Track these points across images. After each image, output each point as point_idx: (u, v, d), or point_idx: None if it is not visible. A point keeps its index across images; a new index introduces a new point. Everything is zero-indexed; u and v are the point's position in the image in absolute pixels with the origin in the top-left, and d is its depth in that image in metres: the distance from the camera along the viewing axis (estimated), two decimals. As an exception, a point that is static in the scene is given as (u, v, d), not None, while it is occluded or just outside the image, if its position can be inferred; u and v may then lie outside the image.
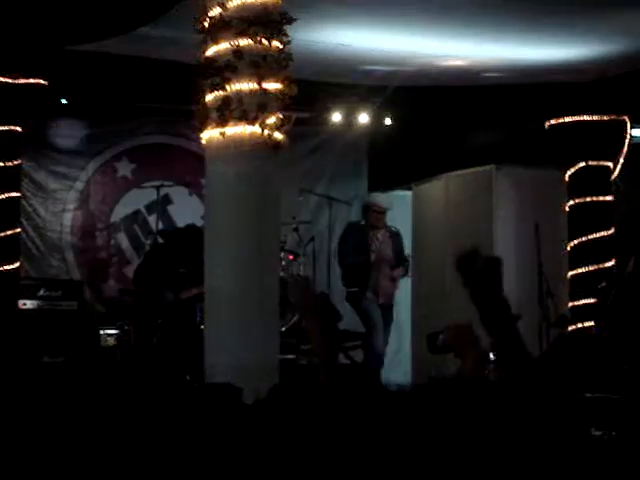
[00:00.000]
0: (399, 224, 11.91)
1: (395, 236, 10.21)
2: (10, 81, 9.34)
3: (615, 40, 8.76)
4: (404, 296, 11.50)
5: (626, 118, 10.26)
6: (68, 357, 9.02)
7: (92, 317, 9.11)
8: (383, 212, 10.05)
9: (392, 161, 11.82)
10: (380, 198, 10.42)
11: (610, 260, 9.91)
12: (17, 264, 9.61)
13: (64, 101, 10.68)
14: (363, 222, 10.13)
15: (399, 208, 12.17)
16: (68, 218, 11.22)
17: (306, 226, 11.13)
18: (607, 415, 5.97)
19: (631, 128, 10.32)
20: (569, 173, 10.42)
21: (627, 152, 10.30)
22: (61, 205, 11.23)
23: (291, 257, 10.46)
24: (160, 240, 10.03)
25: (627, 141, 10.28)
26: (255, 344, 6.55)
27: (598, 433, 5.12)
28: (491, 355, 3.67)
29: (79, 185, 11.26)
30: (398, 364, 11.40)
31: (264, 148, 6.60)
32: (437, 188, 11.66)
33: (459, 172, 11.33)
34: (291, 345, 8.73)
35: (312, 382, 4.03)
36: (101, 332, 9.41)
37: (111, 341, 8.97)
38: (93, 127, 11.21)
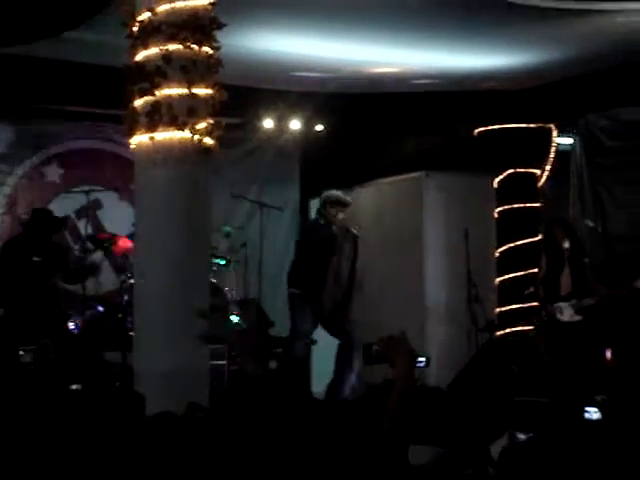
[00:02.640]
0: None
1: (357, 240, 9.29)
2: None
3: (542, 49, 8.91)
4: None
5: (552, 126, 10.45)
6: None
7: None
8: (346, 206, 9.16)
9: (324, 168, 11.85)
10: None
11: (537, 266, 10.05)
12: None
13: (-10, 105, 10.52)
14: (321, 220, 9.16)
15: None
16: (-6, 223, 11.05)
17: (238, 232, 11.10)
18: (535, 418, 6.07)
19: (557, 136, 10.51)
20: (497, 180, 10.56)
21: (553, 159, 10.48)
22: (-12, 210, 11.05)
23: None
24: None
25: (553, 149, 10.46)
26: (185, 350, 6.52)
27: (523, 437, 5.20)
28: (421, 361, 3.74)
29: (6, 190, 11.07)
30: (329, 369, 11.42)
31: (194, 153, 6.58)
32: (368, 194, 11.74)
33: (390, 178, 11.42)
34: (221, 351, 8.70)
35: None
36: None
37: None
38: (20, 131, 11.04)
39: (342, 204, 9.07)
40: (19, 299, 8.67)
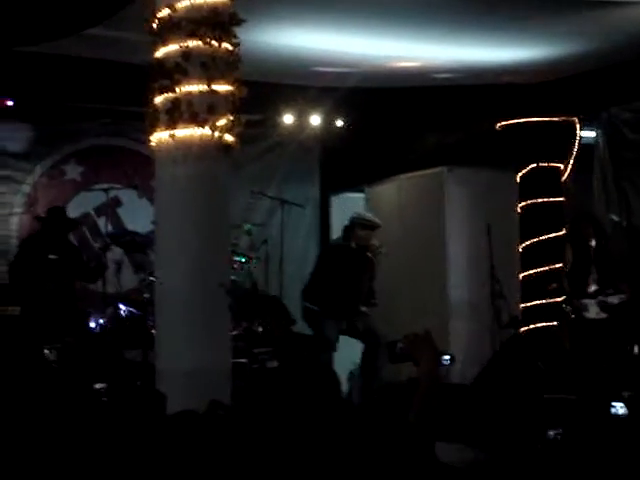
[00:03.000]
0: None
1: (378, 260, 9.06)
2: (-45, 83, 9.20)
3: (565, 42, 8.82)
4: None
5: (576, 119, 10.34)
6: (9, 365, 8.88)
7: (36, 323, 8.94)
8: (377, 228, 8.89)
9: (345, 163, 11.81)
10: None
11: (561, 261, 9.95)
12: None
13: (10, 103, 10.51)
14: (349, 242, 8.84)
15: (352, 210, 12.19)
16: (15, 222, 11.04)
17: (259, 229, 11.06)
18: (562, 415, 6.01)
19: (580, 129, 10.40)
20: (520, 174, 10.47)
21: (577, 153, 10.38)
22: (8, 209, 11.05)
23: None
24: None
25: (577, 142, 10.36)
26: (206, 348, 6.49)
27: (552, 433, 5.15)
28: (445, 359, 3.70)
29: (26, 188, 11.08)
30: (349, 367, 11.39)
31: (214, 150, 6.55)
32: (390, 190, 11.68)
33: (411, 174, 11.35)
34: (243, 349, 8.67)
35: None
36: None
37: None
38: (40, 129, 11.04)
39: (373, 227, 8.85)
40: (36, 297, 8.66)
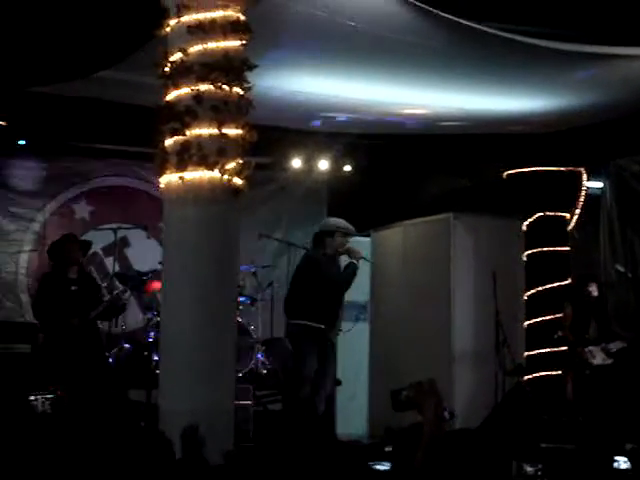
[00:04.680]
0: (358, 270, 11.96)
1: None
2: (-31, 121, 9.29)
3: (573, 93, 8.89)
4: (361, 342, 11.50)
5: (582, 170, 10.40)
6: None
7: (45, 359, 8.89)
8: (352, 236, 8.73)
9: (351, 207, 11.83)
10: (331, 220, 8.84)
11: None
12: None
13: (22, 142, 10.62)
14: (325, 250, 8.56)
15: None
16: (24, 259, 11.10)
17: (265, 271, 11.11)
18: (561, 465, 5.99)
19: (587, 180, 10.46)
20: (526, 223, 10.51)
21: (583, 203, 10.42)
22: (17, 246, 11.11)
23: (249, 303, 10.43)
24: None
25: (583, 192, 10.41)
26: (211, 389, 6.49)
27: (531, 470, 5.14)
28: (446, 413, 3.72)
29: (35, 226, 11.16)
30: (354, 412, 11.37)
31: (223, 193, 6.58)
32: (395, 235, 11.71)
33: (417, 220, 11.39)
34: (247, 391, 8.66)
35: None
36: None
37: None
38: (51, 168, 11.14)
39: (352, 234, 8.69)
40: (59, 333, 8.59)
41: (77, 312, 8.61)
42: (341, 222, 8.66)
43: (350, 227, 8.66)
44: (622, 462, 5.92)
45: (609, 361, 9.04)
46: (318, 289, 8.40)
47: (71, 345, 8.49)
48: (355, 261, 8.51)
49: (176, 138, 6.58)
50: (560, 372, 9.69)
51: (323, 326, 8.41)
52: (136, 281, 9.84)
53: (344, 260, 8.80)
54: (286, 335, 8.78)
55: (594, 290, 9.36)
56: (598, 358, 9.07)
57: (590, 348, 9.10)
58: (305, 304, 8.43)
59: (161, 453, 4.34)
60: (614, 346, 9.05)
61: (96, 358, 8.64)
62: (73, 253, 8.89)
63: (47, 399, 7.68)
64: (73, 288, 8.72)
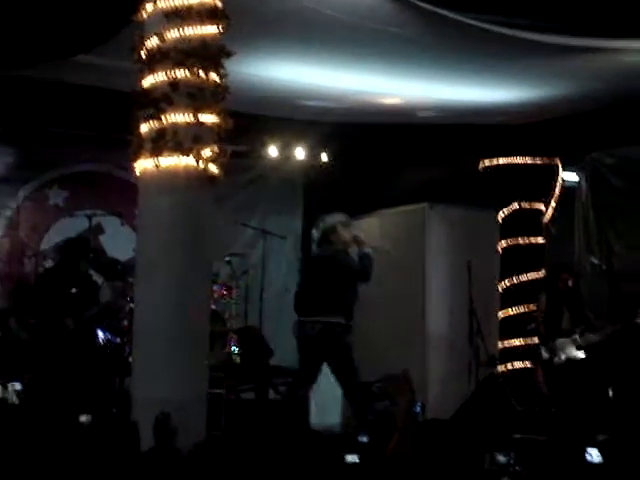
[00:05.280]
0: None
1: None
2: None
3: (549, 85, 8.91)
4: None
5: (557, 161, 10.42)
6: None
7: (15, 346, 8.82)
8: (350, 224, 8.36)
9: (327, 196, 11.84)
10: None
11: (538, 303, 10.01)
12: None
13: (-5, 127, 10.53)
14: (336, 246, 8.14)
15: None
16: (-5, 245, 11.03)
17: (239, 259, 11.07)
18: (534, 455, 6.02)
19: (563, 172, 10.48)
20: (502, 214, 10.53)
21: (558, 195, 10.45)
22: (-12, 232, 11.04)
23: (224, 292, 10.37)
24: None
25: (558, 184, 10.44)
26: (183, 377, 6.47)
27: (503, 459, 5.17)
28: (417, 405, 3.73)
29: (8, 212, 11.07)
30: (328, 402, 11.37)
31: (198, 180, 6.56)
32: (371, 224, 11.70)
33: (393, 209, 11.40)
34: (220, 379, 8.64)
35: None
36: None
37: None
38: (24, 154, 11.04)
39: (350, 223, 8.33)
40: (56, 332, 8.50)
41: (72, 313, 8.54)
42: (337, 216, 8.33)
43: (346, 216, 8.36)
44: (594, 454, 5.94)
45: (580, 354, 9.08)
46: (347, 284, 8.01)
47: (60, 343, 8.43)
48: (367, 250, 8.22)
49: (151, 124, 6.56)
50: (532, 364, 9.72)
51: (348, 322, 7.96)
52: (110, 268, 9.78)
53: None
54: (307, 333, 8.01)
55: (568, 280, 9.39)
56: (568, 351, 9.12)
57: (560, 340, 9.13)
58: (334, 301, 7.94)
59: (130, 441, 4.34)
60: (587, 339, 9.09)
61: (83, 356, 8.54)
62: (84, 258, 8.89)
63: (15, 390, 7.64)
64: (73, 290, 8.64)
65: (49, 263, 10.79)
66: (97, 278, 9.41)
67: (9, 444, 4.90)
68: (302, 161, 11.90)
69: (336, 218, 8.30)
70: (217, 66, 6.63)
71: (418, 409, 3.41)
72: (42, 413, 6.90)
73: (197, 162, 6.49)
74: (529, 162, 10.32)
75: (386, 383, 3.71)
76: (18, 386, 8.08)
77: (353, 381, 7.49)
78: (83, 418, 6.58)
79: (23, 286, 10.68)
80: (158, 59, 6.56)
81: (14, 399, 7.97)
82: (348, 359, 7.71)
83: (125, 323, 9.23)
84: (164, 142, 6.49)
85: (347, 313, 7.91)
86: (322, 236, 8.24)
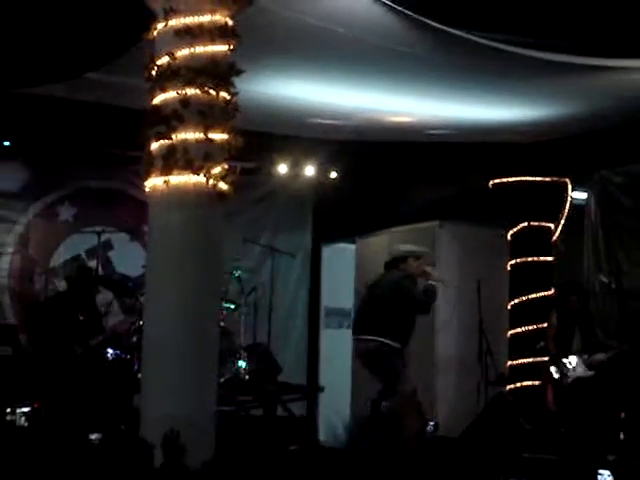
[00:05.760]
0: (342, 277, 11.95)
1: None
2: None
3: (560, 104, 8.92)
4: (344, 349, 11.48)
5: (567, 180, 10.42)
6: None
7: (27, 363, 8.82)
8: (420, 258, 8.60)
9: (337, 214, 11.87)
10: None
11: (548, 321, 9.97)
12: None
13: (7, 143, 10.56)
14: (398, 273, 8.42)
15: (342, 261, 12.22)
16: (6, 261, 11.04)
17: (248, 276, 11.08)
18: (544, 475, 5.99)
19: (572, 190, 10.47)
20: (511, 232, 10.52)
21: (568, 214, 10.43)
22: (0, 248, 11.06)
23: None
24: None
25: (568, 203, 10.43)
26: (192, 395, 6.46)
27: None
28: (430, 425, 3.72)
29: (19, 228, 11.10)
30: (336, 419, 11.35)
31: (208, 198, 6.57)
32: (380, 242, 11.70)
33: (403, 227, 11.40)
34: (228, 397, 8.64)
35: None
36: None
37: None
38: (36, 170, 11.08)
39: (421, 257, 8.59)
40: (64, 356, 8.50)
41: (80, 340, 8.56)
42: (409, 246, 8.73)
43: (420, 249, 8.68)
44: (605, 475, 5.91)
45: (589, 373, 9.05)
46: (406, 311, 8.27)
47: (69, 368, 8.43)
48: (433, 283, 8.45)
49: (162, 142, 6.57)
50: (541, 382, 9.68)
51: (400, 346, 8.18)
52: (120, 285, 9.80)
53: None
54: (362, 351, 8.30)
55: (576, 301, 9.37)
56: (578, 370, 9.08)
57: (571, 358, 9.11)
58: (390, 324, 8.20)
59: (141, 459, 4.33)
60: (596, 358, 9.05)
61: (91, 378, 8.54)
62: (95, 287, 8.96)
63: (24, 413, 7.61)
64: (81, 318, 8.66)
65: (60, 282, 10.79)
66: (106, 294, 9.44)
67: (18, 465, 4.90)
68: (311, 179, 11.92)
69: (409, 247, 8.65)
70: (227, 84, 6.64)
71: (431, 429, 3.39)
72: (51, 434, 6.90)
73: (207, 179, 6.50)
74: (538, 180, 10.31)
75: (393, 402, 3.69)
76: (26, 409, 8.06)
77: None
78: (93, 436, 6.57)
79: (34, 304, 10.71)
80: (168, 77, 6.58)
81: (22, 422, 7.96)
82: (393, 381, 7.64)
83: (134, 339, 9.23)
84: (174, 160, 6.50)
85: (402, 338, 8.16)
86: (392, 261, 8.56)
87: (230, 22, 6.70)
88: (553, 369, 9.24)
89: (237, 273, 10.55)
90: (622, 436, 8.22)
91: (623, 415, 8.57)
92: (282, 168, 11.64)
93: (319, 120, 9.85)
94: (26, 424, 7.86)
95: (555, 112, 9.11)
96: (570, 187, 10.44)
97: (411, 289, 8.30)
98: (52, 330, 8.62)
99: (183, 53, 6.57)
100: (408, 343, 8.28)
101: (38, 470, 4.67)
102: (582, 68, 7.78)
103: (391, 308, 8.22)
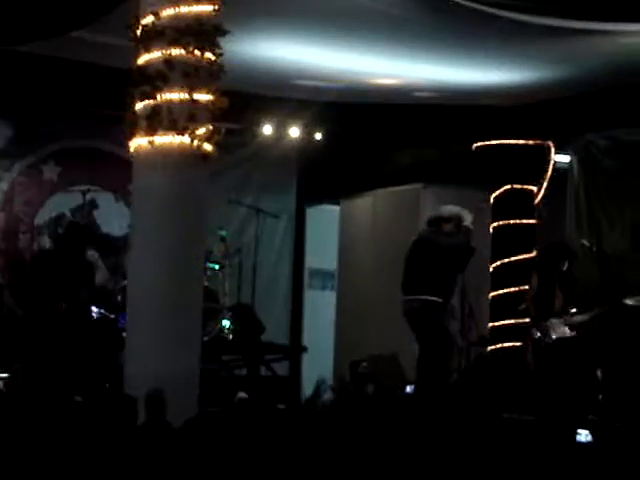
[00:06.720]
0: (326, 238, 11.97)
1: None
2: None
3: (542, 67, 8.94)
4: (327, 310, 11.57)
5: (550, 143, 10.44)
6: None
7: (11, 322, 8.83)
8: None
9: (321, 176, 11.88)
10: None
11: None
12: None
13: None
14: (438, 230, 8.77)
15: (327, 223, 12.25)
16: (-9, 219, 11.04)
17: (233, 237, 11.10)
18: (524, 436, 6.08)
19: (555, 154, 10.50)
20: (494, 195, 10.56)
21: (550, 177, 10.47)
22: (-17, 206, 11.04)
23: None
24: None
25: (551, 166, 10.46)
26: (176, 353, 6.53)
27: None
28: (409, 388, 3.77)
29: (3, 186, 11.06)
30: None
31: (193, 158, 6.59)
32: (365, 204, 11.75)
33: (387, 189, 11.43)
34: (212, 356, 8.70)
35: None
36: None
37: None
38: (20, 129, 11.03)
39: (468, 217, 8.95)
40: (48, 316, 8.49)
41: (66, 296, 8.56)
42: (456, 209, 8.93)
43: (464, 214, 8.88)
44: (584, 435, 5.99)
45: (569, 333, 9.12)
46: (454, 270, 8.71)
47: (52, 327, 8.43)
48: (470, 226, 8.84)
49: (146, 102, 6.58)
50: (522, 344, 9.77)
51: (441, 300, 8.52)
52: (105, 242, 9.82)
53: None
54: (413, 310, 8.50)
55: (562, 261, 9.41)
56: (558, 331, 9.15)
57: (552, 320, 9.18)
58: (437, 281, 8.51)
59: (125, 415, 4.38)
60: (577, 319, 9.12)
61: (75, 336, 8.55)
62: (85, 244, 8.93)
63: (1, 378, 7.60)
64: (68, 274, 8.65)
65: (44, 240, 10.81)
66: (92, 253, 9.45)
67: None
68: (296, 140, 11.91)
69: (453, 211, 8.88)
70: (212, 44, 6.65)
71: (412, 389, 3.43)
72: (31, 396, 6.93)
73: (191, 140, 6.53)
74: (522, 143, 10.34)
75: (371, 364, 3.73)
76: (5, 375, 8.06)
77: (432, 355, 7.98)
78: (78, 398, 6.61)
79: (18, 262, 10.72)
80: (153, 37, 6.58)
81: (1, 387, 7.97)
82: (437, 334, 8.26)
83: (119, 298, 9.27)
84: (159, 120, 6.53)
85: (445, 293, 8.49)
86: (434, 220, 8.87)
87: (215, -18, 6.68)
88: (534, 330, 9.32)
89: (222, 233, 10.58)
90: (601, 397, 8.31)
91: (601, 376, 8.67)
92: (267, 129, 11.62)
93: (304, 81, 9.85)
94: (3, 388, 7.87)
95: (539, 75, 9.13)
96: (553, 150, 10.46)
97: (452, 243, 8.63)
98: (38, 288, 8.63)
99: (168, 13, 6.58)
100: (451, 297, 8.69)
101: (17, 433, 4.72)
102: (568, 31, 7.78)
103: (433, 265, 8.48)
